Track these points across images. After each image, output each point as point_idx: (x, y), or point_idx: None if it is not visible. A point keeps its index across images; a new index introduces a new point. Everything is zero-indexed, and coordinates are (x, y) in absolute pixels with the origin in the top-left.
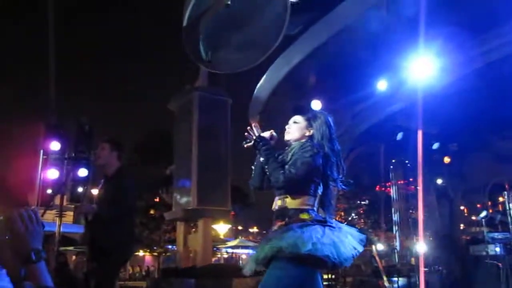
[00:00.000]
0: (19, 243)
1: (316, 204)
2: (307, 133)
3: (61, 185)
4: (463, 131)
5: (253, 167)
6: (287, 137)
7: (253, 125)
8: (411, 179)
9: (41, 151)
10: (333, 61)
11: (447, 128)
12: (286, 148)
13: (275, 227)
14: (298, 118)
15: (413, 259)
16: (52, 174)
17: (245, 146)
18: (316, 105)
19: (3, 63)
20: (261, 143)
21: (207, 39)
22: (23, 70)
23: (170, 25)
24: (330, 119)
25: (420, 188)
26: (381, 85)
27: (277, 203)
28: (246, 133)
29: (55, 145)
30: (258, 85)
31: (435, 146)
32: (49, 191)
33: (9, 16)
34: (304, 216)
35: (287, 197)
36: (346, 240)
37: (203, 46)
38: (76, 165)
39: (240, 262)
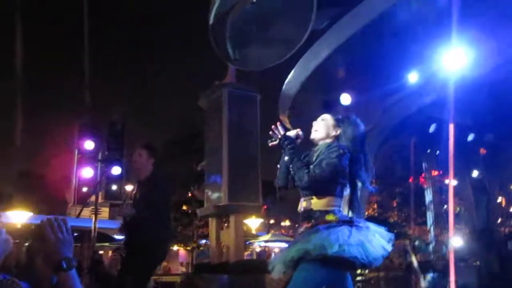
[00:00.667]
0: (50, 251)
1: (342, 205)
2: (334, 133)
3: (96, 183)
4: (499, 121)
5: (278, 166)
6: (313, 135)
7: (278, 124)
8: (445, 171)
9: (76, 150)
10: (362, 54)
11: (483, 118)
12: (312, 148)
13: (301, 229)
14: (327, 116)
15: (450, 255)
16: (87, 172)
17: (270, 144)
18: (345, 99)
19: (39, 66)
20: (286, 142)
21: (233, 36)
22: (59, 72)
23: (200, 22)
24: (358, 121)
25: (451, 180)
26: (412, 77)
27: (302, 205)
28: (271, 132)
29: (89, 145)
30: (287, 80)
31: (470, 137)
32: (85, 189)
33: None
34: (330, 217)
35: (312, 198)
36: (374, 240)
37: (230, 44)
38: (109, 163)
39: (273, 255)
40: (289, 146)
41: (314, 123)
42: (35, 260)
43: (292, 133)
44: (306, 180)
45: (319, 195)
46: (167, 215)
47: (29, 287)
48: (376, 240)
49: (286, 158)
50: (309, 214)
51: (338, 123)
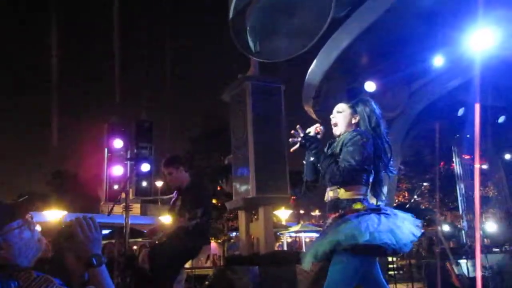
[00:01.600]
0: (80, 249)
1: (368, 193)
2: (354, 121)
3: (126, 180)
4: None
5: (304, 162)
6: (335, 131)
7: (297, 127)
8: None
9: (106, 149)
10: (385, 40)
11: None
12: (333, 140)
13: (329, 220)
14: (341, 106)
15: (486, 240)
16: (117, 170)
17: (291, 150)
18: (369, 86)
19: (71, 69)
20: (307, 144)
21: (253, 29)
22: (88, 75)
23: (222, 16)
24: (373, 103)
25: (477, 165)
26: (438, 60)
27: (329, 194)
28: (290, 139)
29: (118, 143)
30: (310, 70)
31: (501, 119)
32: (116, 186)
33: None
34: (358, 206)
35: (339, 188)
36: (403, 226)
37: (251, 37)
38: (138, 161)
39: (304, 246)
40: (311, 147)
41: (332, 117)
42: (66, 258)
43: (311, 129)
44: (338, 175)
45: (346, 185)
46: (208, 222)
47: (61, 283)
48: (405, 226)
49: (312, 158)
50: (336, 203)
51: (354, 109)
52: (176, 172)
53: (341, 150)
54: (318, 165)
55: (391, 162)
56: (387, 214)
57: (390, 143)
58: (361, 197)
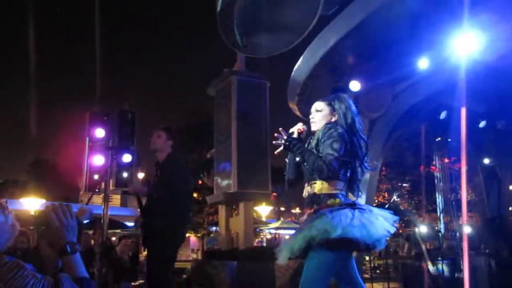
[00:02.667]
0: (54, 236)
1: (345, 188)
2: (333, 119)
3: (106, 170)
4: None
5: (286, 160)
6: (313, 127)
7: (280, 129)
8: (455, 158)
9: (87, 138)
10: (371, 40)
11: (494, 105)
12: (310, 137)
13: (304, 216)
14: (320, 105)
15: (463, 243)
16: (98, 160)
17: (276, 153)
18: (354, 86)
19: (52, 56)
20: (291, 146)
21: (241, 23)
22: (70, 62)
23: (208, 9)
24: (349, 100)
25: (463, 168)
26: (423, 63)
27: (307, 190)
28: (274, 142)
29: (100, 132)
30: (295, 67)
31: (482, 124)
32: (96, 176)
33: (57, 7)
34: (333, 201)
35: (315, 183)
36: (377, 222)
37: (238, 31)
38: (120, 151)
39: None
40: (294, 149)
41: (311, 116)
42: (40, 244)
43: (294, 129)
44: (326, 170)
45: (323, 180)
46: (186, 200)
47: (34, 269)
48: (379, 222)
49: (298, 158)
50: (312, 199)
51: (333, 107)
52: (164, 140)
53: (317, 145)
54: (304, 164)
55: (366, 158)
56: (362, 209)
57: (366, 139)
58: (338, 192)
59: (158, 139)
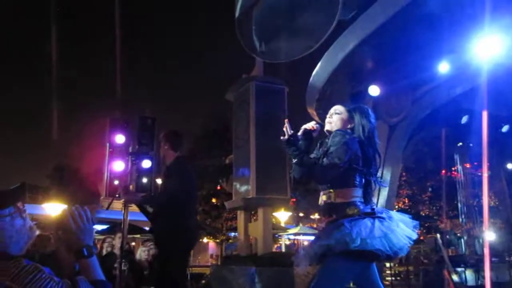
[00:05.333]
0: (71, 239)
1: (362, 195)
2: (348, 126)
3: (127, 176)
4: None
5: (293, 159)
6: (327, 127)
7: (286, 121)
8: (476, 163)
9: (108, 144)
10: (390, 44)
11: None
12: (323, 139)
13: (323, 224)
14: (340, 108)
15: (485, 250)
16: (118, 166)
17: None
18: (374, 90)
19: (73, 63)
20: (289, 145)
21: (260, 29)
22: (90, 67)
23: (228, 15)
24: (370, 112)
25: (485, 173)
26: (443, 67)
27: (322, 198)
28: (281, 137)
29: (120, 138)
30: (314, 72)
31: (505, 129)
32: (116, 182)
33: (76, 16)
34: (352, 210)
35: (331, 192)
36: (398, 230)
37: (256, 36)
38: (140, 157)
39: (300, 249)
40: (291, 150)
41: (328, 116)
42: (58, 248)
43: (308, 125)
44: (320, 174)
45: (339, 188)
46: (191, 204)
47: (51, 273)
48: (400, 230)
49: (294, 160)
50: (329, 207)
51: (352, 115)
52: (163, 145)
53: (327, 150)
54: (301, 167)
55: (378, 173)
56: (382, 218)
57: (380, 155)
58: (355, 199)
59: (160, 149)
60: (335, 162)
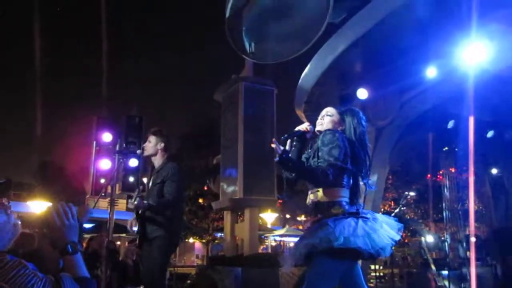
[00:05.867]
0: (56, 236)
1: (348, 195)
2: (339, 128)
3: (113, 174)
4: None
5: (286, 136)
6: (318, 128)
7: (273, 140)
8: (462, 168)
9: (94, 142)
10: (379, 48)
11: (503, 115)
12: (314, 140)
13: (308, 224)
14: (331, 110)
15: (468, 252)
16: (105, 164)
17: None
18: (362, 94)
19: (60, 60)
20: (284, 162)
21: (249, 30)
22: (78, 65)
23: (217, 15)
24: (361, 115)
25: (471, 178)
26: (431, 72)
27: (310, 197)
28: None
29: (107, 137)
30: (303, 74)
31: (490, 134)
32: (102, 180)
33: (62, 12)
34: (336, 210)
35: (318, 191)
36: (381, 230)
37: (246, 37)
38: (127, 156)
39: (286, 250)
40: (288, 166)
41: (319, 118)
42: (43, 245)
43: (302, 127)
44: (322, 177)
45: (326, 187)
46: (180, 202)
47: (35, 268)
48: (383, 231)
49: (292, 175)
50: (316, 206)
51: (343, 118)
52: (154, 144)
53: (317, 150)
54: (302, 179)
55: (368, 176)
56: (366, 218)
57: (370, 157)
58: (341, 199)
59: (148, 144)
60: (332, 163)
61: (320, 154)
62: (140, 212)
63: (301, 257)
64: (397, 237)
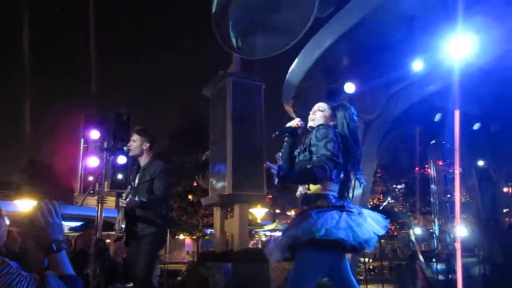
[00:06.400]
0: (40, 235)
1: (337, 190)
2: (331, 123)
3: (101, 172)
4: (506, 110)
5: (276, 156)
6: (310, 124)
7: (266, 164)
8: (449, 160)
9: (82, 140)
10: (366, 42)
11: (489, 107)
12: (305, 136)
13: (294, 216)
14: (323, 105)
15: (456, 244)
16: (93, 162)
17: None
18: (349, 88)
19: (47, 57)
20: (286, 178)
21: (236, 25)
22: (64, 63)
23: (203, 11)
24: (353, 110)
25: (457, 170)
26: (417, 65)
27: (299, 189)
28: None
29: (95, 134)
30: (290, 69)
31: (476, 126)
32: (91, 178)
33: (51, 9)
34: (322, 202)
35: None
36: (365, 224)
37: (233, 32)
38: (115, 153)
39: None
40: (290, 179)
41: (311, 113)
42: (27, 243)
43: (293, 123)
44: (322, 173)
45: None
46: (168, 202)
47: (19, 267)
48: (367, 225)
49: (301, 188)
50: (303, 199)
51: (335, 113)
52: (140, 144)
53: (309, 145)
54: (302, 184)
55: (360, 171)
56: (350, 212)
57: (362, 154)
58: (328, 193)
59: (133, 143)
60: (328, 157)
61: (314, 149)
62: (129, 209)
63: (285, 249)
64: (381, 232)
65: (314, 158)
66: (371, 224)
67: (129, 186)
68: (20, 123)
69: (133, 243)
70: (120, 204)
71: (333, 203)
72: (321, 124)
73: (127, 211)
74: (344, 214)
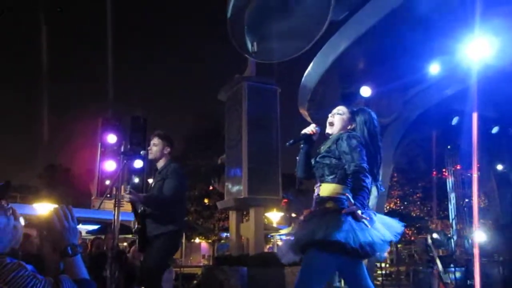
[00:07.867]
0: (56, 238)
1: (351, 194)
2: (349, 127)
3: (118, 176)
4: None
5: (297, 158)
6: (329, 130)
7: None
8: (467, 164)
9: (99, 144)
10: (382, 45)
11: (507, 111)
12: (324, 141)
13: (302, 217)
14: (342, 109)
15: (475, 250)
16: (110, 165)
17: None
18: (365, 91)
19: (65, 63)
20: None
21: (252, 29)
22: (82, 69)
23: (220, 15)
24: (373, 114)
25: (475, 174)
26: (434, 68)
27: (316, 191)
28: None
29: (112, 138)
30: (306, 73)
31: (495, 130)
32: (108, 181)
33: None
34: (329, 204)
35: (321, 185)
36: (370, 229)
37: (248, 36)
38: (132, 157)
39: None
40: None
41: (330, 116)
42: (43, 247)
43: (308, 129)
44: (362, 180)
45: (327, 183)
46: (182, 206)
47: (34, 270)
48: (373, 230)
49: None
50: (317, 200)
51: (353, 117)
52: (161, 148)
53: (329, 148)
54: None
55: (379, 177)
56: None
57: (382, 159)
58: (340, 196)
59: (154, 147)
60: (365, 167)
61: (348, 157)
62: (140, 210)
63: (294, 249)
64: (391, 238)
65: (352, 167)
66: (379, 229)
67: (129, 183)
68: (39, 128)
69: (146, 246)
70: (124, 194)
71: (340, 206)
72: (349, 133)
73: (137, 212)
74: (350, 218)
